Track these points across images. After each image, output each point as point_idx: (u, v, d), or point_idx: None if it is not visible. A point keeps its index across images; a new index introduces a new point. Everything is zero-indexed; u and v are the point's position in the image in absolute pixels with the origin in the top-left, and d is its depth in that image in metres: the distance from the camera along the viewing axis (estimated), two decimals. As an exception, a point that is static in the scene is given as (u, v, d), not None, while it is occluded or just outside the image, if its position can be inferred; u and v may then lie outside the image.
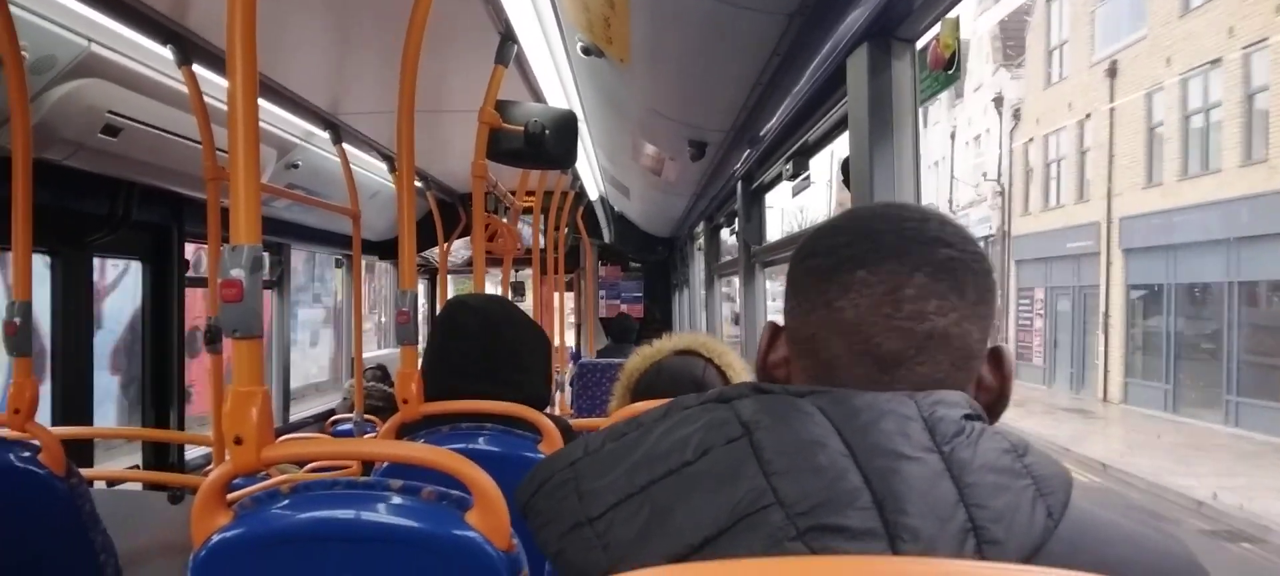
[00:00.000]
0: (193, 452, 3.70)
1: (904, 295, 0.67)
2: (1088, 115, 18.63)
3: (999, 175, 23.12)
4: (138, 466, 3.57)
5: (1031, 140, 21.61)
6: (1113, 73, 17.48)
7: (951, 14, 1.50)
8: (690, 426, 0.63)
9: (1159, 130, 16.39)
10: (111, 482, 2.89)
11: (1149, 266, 16.76)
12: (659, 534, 0.58)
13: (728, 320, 7.74)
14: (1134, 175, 16.99)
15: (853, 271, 0.68)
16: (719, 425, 0.62)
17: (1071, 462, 11.77)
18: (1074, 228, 19.16)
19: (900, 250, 0.68)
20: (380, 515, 1.19)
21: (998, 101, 22.90)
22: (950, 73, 1.56)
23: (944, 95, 25.51)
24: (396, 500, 1.20)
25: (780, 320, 0.77)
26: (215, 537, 1.15)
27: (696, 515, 0.58)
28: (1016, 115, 22.30)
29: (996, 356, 0.71)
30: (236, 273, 1.16)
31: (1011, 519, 0.57)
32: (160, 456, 3.51)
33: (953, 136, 26.45)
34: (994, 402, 0.72)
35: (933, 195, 27.55)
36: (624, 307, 7.62)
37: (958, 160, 26.24)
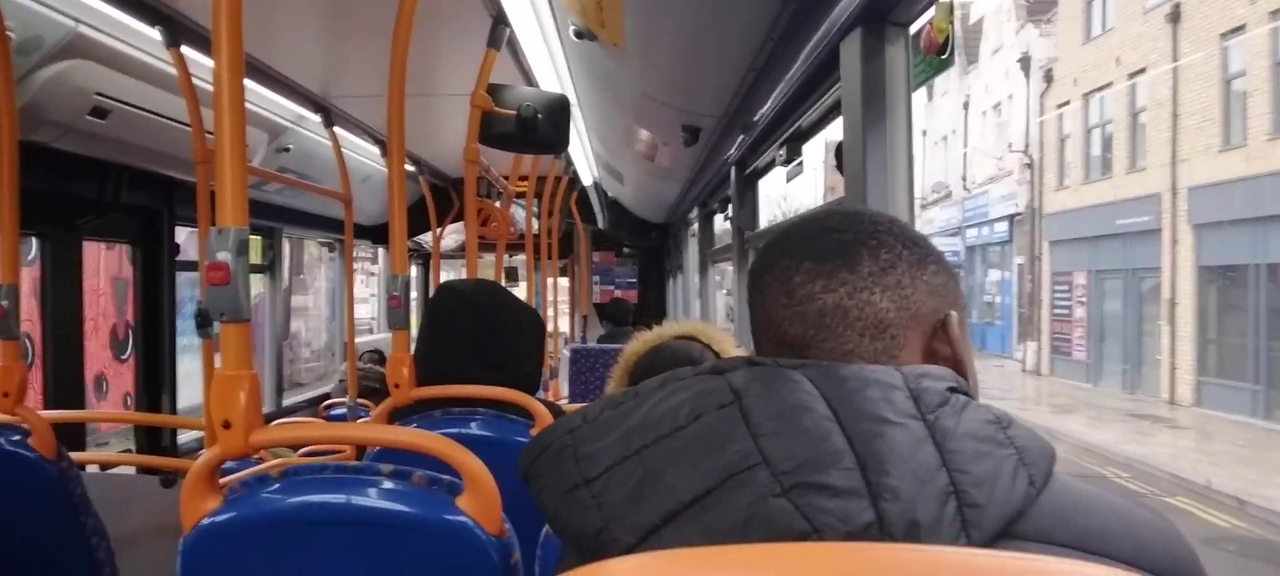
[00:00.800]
0: (186, 436, 3.69)
1: (793, 283, 0.73)
2: (1141, 70, 15.68)
3: (1026, 145, 20.11)
4: (130, 450, 3.57)
5: (1067, 104, 18.47)
6: (1175, 18, 14.70)
7: (945, -2, 1.50)
8: (683, 394, 0.65)
9: (1238, 83, 13.44)
10: (104, 466, 2.88)
11: (1228, 244, 13.66)
12: (650, 494, 0.61)
13: (724, 315, 7.71)
14: (1206, 137, 14.01)
15: (762, 277, 0.77)
16: (711, 393, 0.65)
17: (1191, 497, 9.39)
18: (1126, 201, 16.15)
19: (794, 248, 0.75)
20: (371, 499, 1.19)
21: (1024, 63, 19.94)
22: (943, 58, 1.53)
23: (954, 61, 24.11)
24: (387, 484, 1.20)
25: None
26: (205, 521, 1.15)
27: (686, 475, 0.60)
28: (1048, 76, 19.18)
29: (944, 325, 0.74)
30: (223, 255, 1.15)
31: (993, 484, 0.58)
32: (153, 440, 3.50)
33: (966, 106, 23.83)
34: (954, 371, 0.72)
35: (941, 173, 25.41)
36: (618, 293, 7.62)
37: (974, 132, 23.47)
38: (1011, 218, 21.29)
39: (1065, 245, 18.94)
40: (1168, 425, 13.51)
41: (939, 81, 24.74)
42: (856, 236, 0.73)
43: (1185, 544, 0.66)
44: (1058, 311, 19.24)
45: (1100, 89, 17.37)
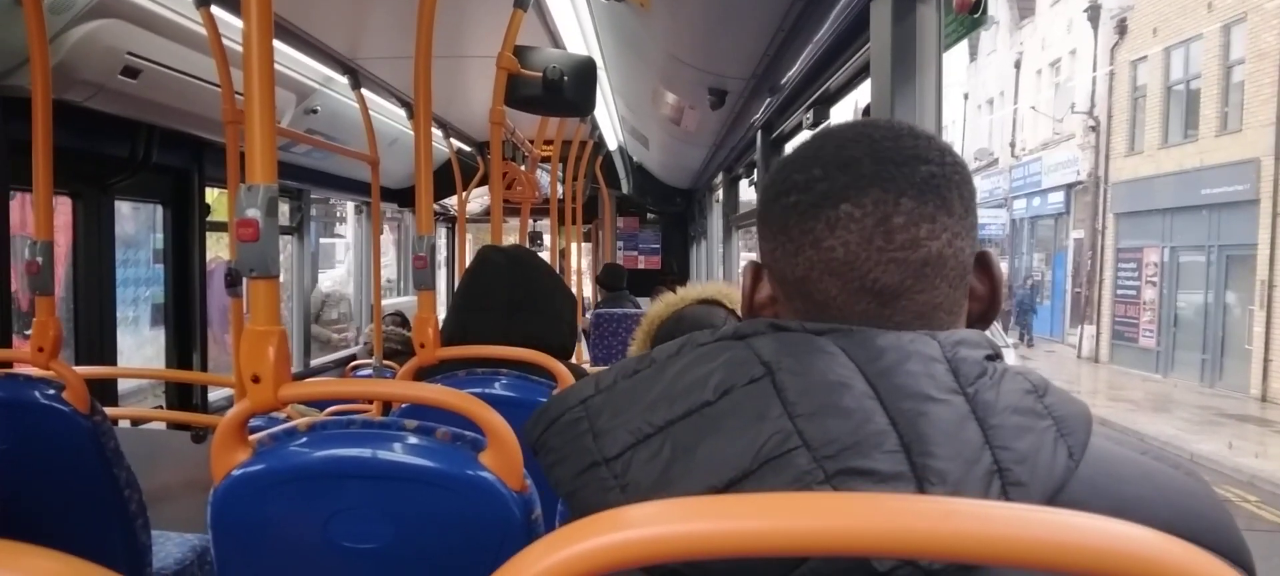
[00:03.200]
0: (217, 394, 3.75)
1: (894, 225, 0.64)
2: (1240, 17, 13.72)
3: (1092, 106, 17.86)
4: (161, 407, 3.64)
5: (1143, 59, 16.46)
6: (1284, -45, 12.55)
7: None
8: (708, 364, 0.61)
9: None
10: (136, 422, 2.94)
11: None
12: (681, 475, 0.57)
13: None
14: None
15: (836, 206, 0.65)
16: (739, 364, 0.61)
17: None
18: (1215, 168, 14.22)
19: (881, 176, 0.65)
20: (396, 454, 1.20)
21: (1092, 12, 17.73)
22: (976, 17, 1.50)
23: (1003, 18, 21.52)
24: (412, 440, 1.22)
25: (758, 257, 0.74)
26: (235, 472, 1.17)
27: (720, 456, 0.57)
28: (1121, 28, 17.12)
29: (983, 261, 0.70)
30: (252, 212, 1.16)
31: (1035, 460, 0.57)
32: (184, 397, 3.57)
33: (1017, 65, 21.67)
34: (987, 309, 0.71)
35: (985, 139, 23.49)
36: (641, 259, 7.62)
37: (1027, 93, 21.16)
38: (1070, 187, 19.21)
39: (1134, 217, 16.92)
40: (1276, 429, 11.52)
41: (985, 39, 23.02)
42: (944, 171, 0.66)
43: (1222, 508, 0.65)
44: (1122, 292, 17.21)
45: (1186, 40, 15.26)
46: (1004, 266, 22.00)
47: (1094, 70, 18.10)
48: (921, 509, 0.46)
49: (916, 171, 0.65)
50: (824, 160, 0.67)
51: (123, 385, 3.40)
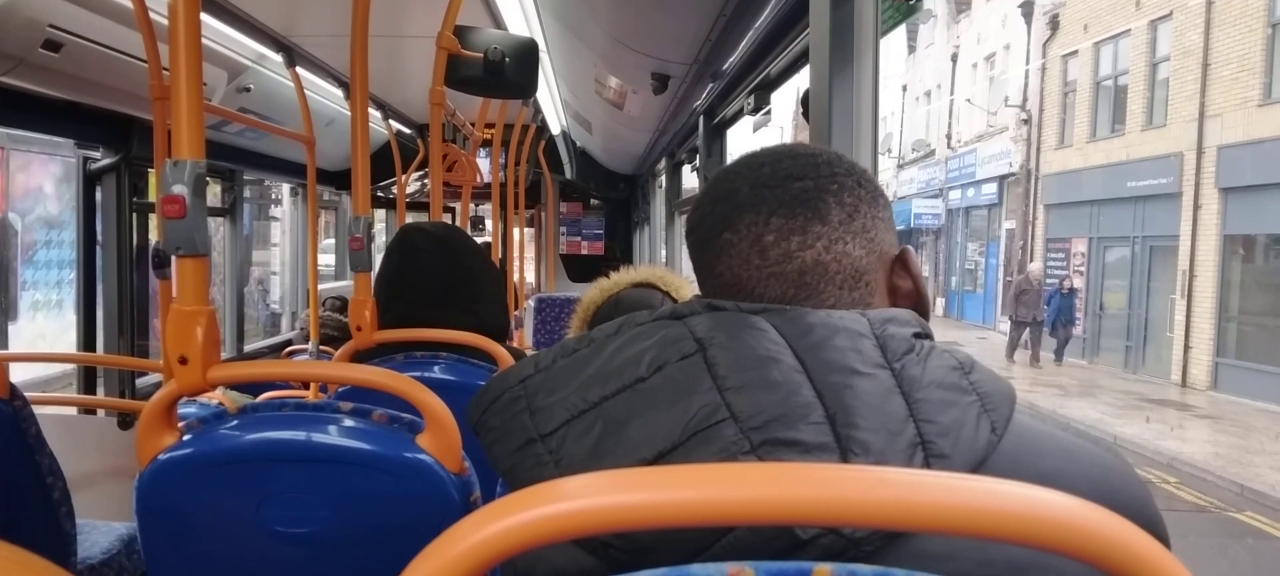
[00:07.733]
0: (146, 381, 3.65)
1: (766, 243, 0.69)
2: (1167, 14, 14.09)
3: (1025, 99, 18.37)
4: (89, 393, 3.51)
5: (1074, 54, 16.86)
6: (1211, -46, 12.77)
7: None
8: (644, 343, 0.63)
9: (1288, 24, 11.82)
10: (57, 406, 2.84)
11: (1265, 210, 12.00)
12: (612, 449, 0.59)
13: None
14: (1243, 89, 12.22)
15: (720, 235, 0.71)
16: (673, 341, 0.62)
17: (1267, 512, 7.59)
18: (1140, 162, 14.50)
19: (754, 200, 0.70)
20: (330, 437, 1.18)
21: (1026, 8, 18.17)
22: (911, 4, 1.53)
23: (941, 12, 21.99)
24: (347, 422, 1.20)
25: None
26: (162, 456, 1.14)
27: (650, 430, 0.58)
28: (1053, 23, 17.66)
29: (903, 259, 0.73)
30: (178, 189, 1.13)
31: (958, 433, 0.59)
32: (111, 382, 3.45)
33: (954, 59, 21.97)
34: (917, 304, 0.73)
35: (923, 131, 23.77)
36: (585, 245, 7.59)
37: (963, 86, 21.43)
38: (1003, 178, 19.59)
39: (1063, 209, 17.32)
40: (1194, 414, 11.73)
41: (923, 32, 23.34)
42: (818, 183, 0.70)
43: (1140, 483, 0.67)
44: (1051, 281, 17.13)
45: (1115, 36, 15.66)
46: (940, 254, 22.72)
47: (1027, 64, 18.48)
48: (851, 477, 0.46)
49: (788, 189, 0.70)
50: (714, 195, 0.73)
51: (44, 371, 3.28)
